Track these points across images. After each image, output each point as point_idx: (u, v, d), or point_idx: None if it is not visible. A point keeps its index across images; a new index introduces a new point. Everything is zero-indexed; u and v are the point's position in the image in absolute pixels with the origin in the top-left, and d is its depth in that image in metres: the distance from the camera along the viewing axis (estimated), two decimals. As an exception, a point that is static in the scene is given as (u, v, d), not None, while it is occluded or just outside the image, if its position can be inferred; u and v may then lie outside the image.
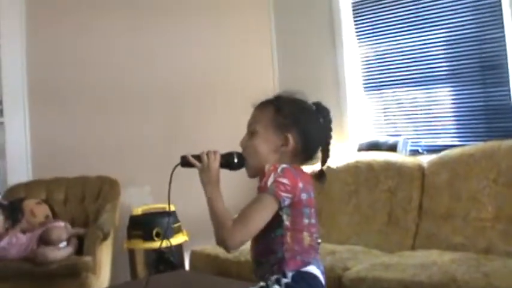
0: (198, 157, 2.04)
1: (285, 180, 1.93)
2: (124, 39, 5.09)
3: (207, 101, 5.30)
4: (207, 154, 2.03)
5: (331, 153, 2.10)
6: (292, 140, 2.03)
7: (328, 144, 2.09)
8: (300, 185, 1.96)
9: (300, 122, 2.05)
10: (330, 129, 2.10)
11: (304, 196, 1.98)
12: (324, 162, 2.10)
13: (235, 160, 2.07)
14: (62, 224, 4.24)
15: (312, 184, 2.03)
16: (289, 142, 2.03)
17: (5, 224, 4.16)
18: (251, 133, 2.07)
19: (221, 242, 1.92)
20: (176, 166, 2.05)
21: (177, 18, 5.25)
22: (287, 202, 1.93)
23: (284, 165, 1.96)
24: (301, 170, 2.04)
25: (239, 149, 2.09)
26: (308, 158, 2.09)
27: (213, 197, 1.99)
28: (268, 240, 1.98)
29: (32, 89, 4.85)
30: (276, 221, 1.96)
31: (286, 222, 1.96)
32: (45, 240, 4.05)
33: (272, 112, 2.07)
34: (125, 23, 5.09)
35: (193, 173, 2.05)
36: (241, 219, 1.93)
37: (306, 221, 1.99)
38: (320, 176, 2.09)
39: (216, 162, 2.02)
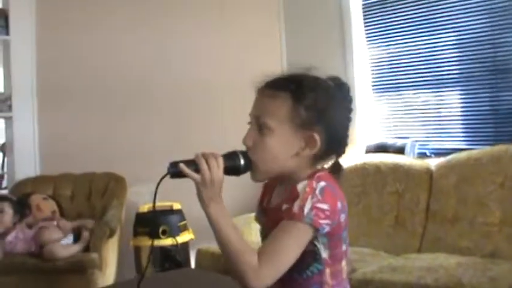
0: (192, 163, 1.56)
1: (325, 206, 1.52)
2: (133, 38, 5.10)
3: (216, 100, 5.30)
4: (206, 160, 1.55)
5: (349, 141, 1.70)
6: (319, 141, 1.59)
7: (348, 130, 1.69)
8: (339, 205, 1.56)
9: (328, 115, 1.61)
10: (351, 111, 1.69)
11: (342, 218, 1.58)
12: (341, 153, 1.69)
13: (242, 162, 1.62)
14: (54, 223, 4.23)
15: (345, 196, 1.62)
16: (316, 144, 1.59)
17: (13, 218, 4.18)
18: (260, 128, 1.60)
19: (245, 283, 1.50)
20: (163, 177, 1.57)
21: (186, 17, 5.26)
22: (326, 230, 1.54)
23: (323, 184, 1.55)
24: (334, 181, 1.62)
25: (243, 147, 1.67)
26: (329, 156, 1.66)
27: (219, 218, 1.54)
28: (300, 282, 1.60)
29: (41, 85, 4.86)
30: (309, 255, 1.57)
31: (324, 255, 1.58)
32: (37, 240, 4.06)
33: (290, 102, 1.58)
34: (134, 22, 5.10)
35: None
36: (269, 256, 1.50)
37: (344, 246, 1.63)
38: (336, 169, 1.67)
39: (220, 171, 1.55)
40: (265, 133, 1.59)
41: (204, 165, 1.54)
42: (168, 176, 1.57)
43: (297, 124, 1.58)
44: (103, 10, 5.01)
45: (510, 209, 3.62)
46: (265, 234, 1.67)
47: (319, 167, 1.66)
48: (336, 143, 1.66)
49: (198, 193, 1.56)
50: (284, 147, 1.59)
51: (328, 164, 1.69)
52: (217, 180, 1.54)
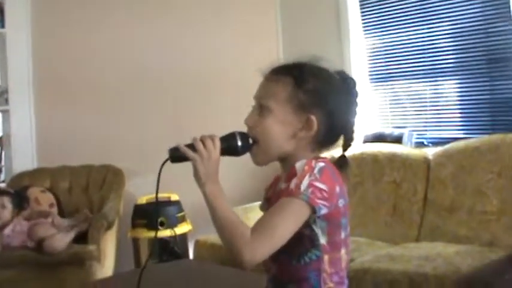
0: (191, 146, 1.60)
1: (322, 186, 1.52)
2: (130, 30, 5.09)
3: (214, 92, 5.29)
4: (202, 141, 1.59)
5: (355, 135, 1.71)
6: (316, 123, 1.61)
7: (353, 124, 1.70)
8: (337, 189, 1.57)
9: (327, 100, 1.64)
10: (357, 105, 1.69)
11: (341, 203, 1.59)
12: (347, 146, 1.70)
13: (239, 143, 1.64)
14: (49, 220, 4.23)
15: (345, 183, 1.63)
16: (312, 125, 1.62)
17: (12, 212, 4.18)
18: (261, 109, 1.65)
19: (238, 257, 1.48)
20: (165, 162, 1.62)
21: (183, 10, 5.24)
22: (323, 211, 1.52)
23: (321, 164, 1.56)
24: (334, 167, 1.62)
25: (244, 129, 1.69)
26: (330, 143, 1.68)
27: (216, 198, 1.55)
28: (297, 267, 1.59)
29: (38, 78, 4.86)
30: (307, 239, 1.57)
31: (323, 241, 1.57)
32: (32, 236, 4.06)
33: (291, 85, 1.63)
34: (131, 15, 5.10)
35: None
36: (263, 229, 1.50)
37: (343, 233, 1.62)
38: (342, 163, 1.68)
39: (216, 151, 1.59)
40: (264, 114, 1.64)
41: (199, 145, 1.58)
42: (169, 161, 1.62)
43: (295, 105, 1.63)
44: (100, 3, 5.00)
45: (508, 197, 3.62)
46: None
47: (320, 154, 1.68)
48: (337, 131, 1.68)
49: (194, 172, 1.58)
50: (282, 127, 1.63)
51: (331, 156, 1.70)
52: (213, 158, 1.57)
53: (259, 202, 1.88)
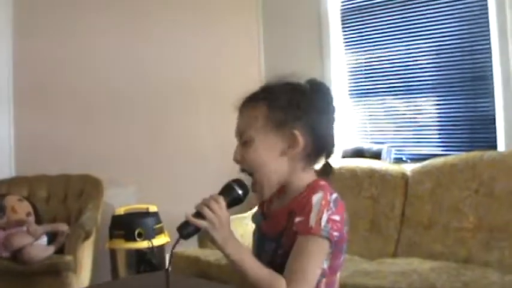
0: (198, 215, 1.57)
1: (337, 217, 1.57)
2: (110, 40, 5.08)
3: (193, 103, 5.30)
4: (207, 206, 1.57)
5: (336, 141, 1.71)
6: (300, 137, 1.61)
7: (333, 129, 1.70)
8: (345, 216, 1.62)
9: (305, 111, 1.62)
10: (334, 110, 1.69)
11: (345, 229, 1.62)
12: (329, 153, 1.70)
13: (240, 192, 1.64)
14: (23, 229, 4.19)
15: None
16: (298, 140, 1.61)
17: (-12, 221, 4.14)
18: (245, 142, 1.64)
19: None
20: (177, 242, 1.62)
21: (164, 21, 5.25)
22: (334, 241, 1.58)
23: (335, 196, 1.60)
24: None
25: (229, 155, 1.70)
26: (319, 154, 1.67)
27: (242, 261, 1.55)
28: None
29: (18, 86, 4.83)
30: None
31: (325, 266, 1.60)
32: (7, 246, 4.02)
33: (265, 108, 1.62)
34: (112, 25, 5.08)
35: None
36: (299, 278, 1.53)
37: (342, 258, 1.66)
38: (326, 171, 1.70)
39: (224, 211, 1.57)
40: (248, 145, 1.64)
41: (207, 212, 1.56)
42: (183, 240, 1.60)
43: (275, 125, 1.62)
44: (79, 12, 4.98)
45: (484, 215, 3.64)
46: (260, 236, 1.73)
47: (311, 168, 1.69)
48: (322, 141, 1.67)
49: (211, 239, 1.58)
50: (268, 152, 1.62)
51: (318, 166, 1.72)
52: (225, 220, 1.57)
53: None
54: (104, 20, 5.06)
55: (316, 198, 1.58)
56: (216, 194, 1.61)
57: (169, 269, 1.73)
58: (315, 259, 1.54)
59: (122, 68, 5.10)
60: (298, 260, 1.54)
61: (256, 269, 1.55)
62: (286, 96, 1.64)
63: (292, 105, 1.62)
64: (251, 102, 1.67)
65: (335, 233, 1.55)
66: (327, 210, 1.55)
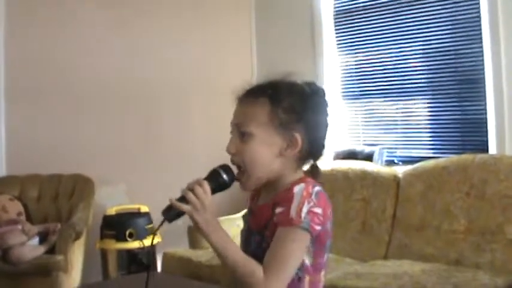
0: (182, 199, 1.57)
1: (319, 210, 1.55)
2: (103, 38, 5.07)
3: (185, 102, 5.30)
4: (191, 190, 1.57)
5: (327, 143, 1.71)
6: (300, 140, 1.62)
7: (326, 134, 1.70)
8: (329, 211, 1.59)
9: (307, 116, 1.63)
10: (327, 115, 1.70)
11: (329, 225, 1.60)
12: (319, 155, 1.71)
13: (225, 177, 1.63)
14: (18, 227, 4.17)
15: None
16: (297, 143, 1.62)
17: (-22, 220, 4.13)
18: (243, 135, 1.63)
19: None
20: (161, 224, 1.64)
21: (157, 17, 5.25)
22: (315, 234, 1.56)
23: (318, 188, 1.59)
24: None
25: (221, 154, 1.69)
26: (313, 157, 1.69)
27: (222, 243, 1.55)
28: None
29: (9, 85, 4.81)
30: None
31: (307, 263, 1.59)
32: (1, 244, 4.00)
33: (268, 106, 1.62)
34: (105, 22, 5.07)
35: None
36: (275, 267, 1.52)
37: (326, 256, 1.63)
38: (315, 172, 1.69)
39: (208, 195, 1.56)
40: (246, 140, 1.62)
41: (191, 196, 1.55)
42: (167, 223, 1.61)
43: (277, 125, 1.61)
44: (73, 9, 4.97)
45: (475, 217, 3.66)
46: (247, 231, 1.72)
47: (301, 169, 1.69)
48: (317, 144, 1.67)
49: (194, 224, 1.57)
50: (267, 149, 1.62)
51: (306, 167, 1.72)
52: (207, 204, 1.55)
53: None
54: (95, 18, 5.05)
55: (297, 188, 1.58)
56: (201, 179, 1.60)
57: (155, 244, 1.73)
58: (293, 250, 1.53)
59: (113, 67, 5.09)
60: (276, 250, 1.53)
61: (235, 255, 1.54)
62: (291, 97, 1.63)
63: (294, 109, 1.62)
64: (255, 95, 1.65)
65: (316, 227, 1.54)
66: (308, 202, 1.54)
